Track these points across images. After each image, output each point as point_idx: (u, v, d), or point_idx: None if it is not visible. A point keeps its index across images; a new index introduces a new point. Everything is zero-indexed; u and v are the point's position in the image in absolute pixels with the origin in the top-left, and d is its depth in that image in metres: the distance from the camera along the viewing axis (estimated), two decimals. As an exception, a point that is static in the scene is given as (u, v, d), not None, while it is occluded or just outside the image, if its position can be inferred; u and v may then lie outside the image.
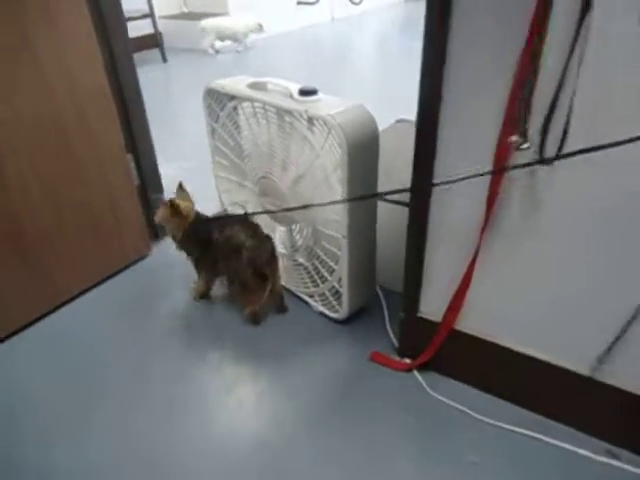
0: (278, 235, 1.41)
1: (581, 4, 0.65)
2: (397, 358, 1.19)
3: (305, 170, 1.16)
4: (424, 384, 1.12)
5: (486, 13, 0.76)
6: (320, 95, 1.13)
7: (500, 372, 1.06)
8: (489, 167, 0.84)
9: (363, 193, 1.12)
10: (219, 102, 1.34)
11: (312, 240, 1.27)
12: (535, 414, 1.04)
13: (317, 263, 1.29)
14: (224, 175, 1.49)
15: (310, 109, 1.07)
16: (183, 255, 1.38)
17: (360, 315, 1.32)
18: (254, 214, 1.31)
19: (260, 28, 4.43)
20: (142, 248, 1.61)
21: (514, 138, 0.76)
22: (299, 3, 5.36)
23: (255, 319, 1.32)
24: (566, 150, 0.74)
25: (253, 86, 1.24)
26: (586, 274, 0.87)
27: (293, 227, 1.34)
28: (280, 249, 1.38)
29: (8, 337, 1.31)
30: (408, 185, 0.97)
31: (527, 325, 0.99)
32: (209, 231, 1.28)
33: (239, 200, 1.47)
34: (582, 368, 0.95)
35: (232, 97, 1.29)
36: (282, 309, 1.35)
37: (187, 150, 2.39)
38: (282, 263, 1.37)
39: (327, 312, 1.32)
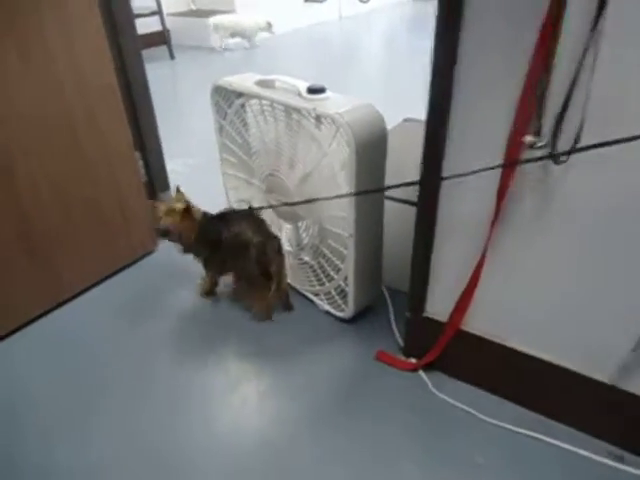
0: (284, 233, 1.41)
1: (597, 2, 0.65)
2: (403, 358, 1.19)
3: (312, 168, 1.16)
4: (429, 384, 1.12)
5: (497, 12, 0.76)
6: (328, 93, 1.12)
7: (506, 373, 1.06)
8: (499, 171, 0.84)
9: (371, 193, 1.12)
10: (227, 99, 1.34)
11: (318, 238, 1.27)
12: (540, 415, 1.04)
13: (323, 261, 1.29)
14: (231, 172, 1.49)
15: (318, 107, 1.07)
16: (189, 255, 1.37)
17: (366, 314, 1.32)
18: (260, 209, 1.30)
19: (269, 27, 4.44)
20: (149, 244, 1.62)
21: (529, 138, 0.76)
22: (306, 1, 5.35)
23: (267, 315, 1.32)
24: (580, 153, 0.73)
25: (261, 83, 1.24)
26: (597, 274, 0.87)
27: (299, 225, 1.34)
28: (286, 247, 1.38)
29: (13, 332, 1.31)
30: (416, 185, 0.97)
31: (534, 326, 0.98)
32: (219, 230, 1.27)
33: (246, 197, 1.47)
34: (590, 370, 0.94)
35: (240, 94, 1.29)
36: (288, 307, 1.36)
37: (193, 147, 2.40)
38: (288, 261, 1.37)
39: (333, 311, 1.31)
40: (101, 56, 1.33)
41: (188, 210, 1.25)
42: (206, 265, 1.37)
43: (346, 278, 1.22)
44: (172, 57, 4.21)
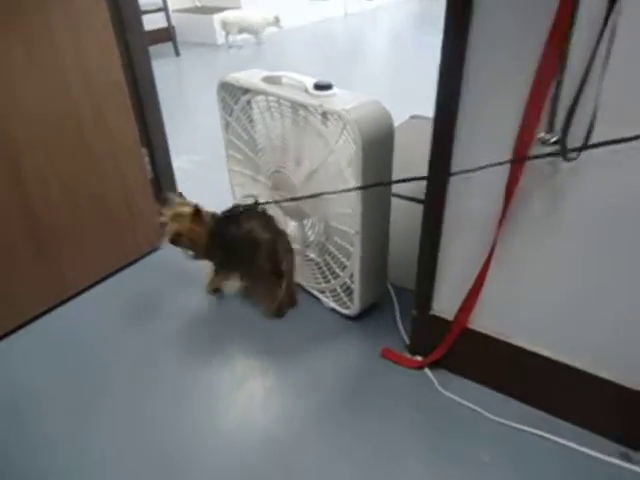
0: (290, 230, 1.41)
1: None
2: (408, 355, 1.18)
3: (319, 165, 1.16)
4: (435, 382, 1.12)
5: (507, 8, 0.75)
6: (335, 90, 1.12)
7: (512, 371, 1.05)
8: (507, 165, 0.83)
9: (377, 190, 1.12)
10: (233, 96, 1.34)
11: (324, 236, 1.27)
12: (545, 413, 1.03)
13: (329, 259, 1.28)
14: (237, 169, 1.48)
15: (325, 103, 1.07)
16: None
17: (371, 312, 1.32)
18: (265, 204, 1.30)
19: (277, 21, 4.43)
20: (155, 240, 1.62)
21: (542, 134, 0.75)
22: (312, -2, 5.34)
23: (278, 313, 1.32)
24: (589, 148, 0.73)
25: (267, 80, 1.23)
26: (604, 272, 0.86)
27: (305, 222, 1.34)
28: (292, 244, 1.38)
29: (18, 329, 1.32)
30: (423, 183, 0.97)
31: (541, 324, 0.98)
32: (230, 230, 1.25)
33: (252, 193, 1.47)
34: (597, 369, 0.93)
35: (246, 91, 1.29)
36: (292, 302, 1.35)
37: (199, 144, 2.40)
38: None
39: (338, 308, 1.31)
40: (108, 52, 1.33)
41: (198, 213, 1.22)
42: (219, 267, 1.34)
43: (352, 275, 1.22)
44: (177, 54, 4.21)
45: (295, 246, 1.38)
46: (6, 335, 1.30)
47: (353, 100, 1.07)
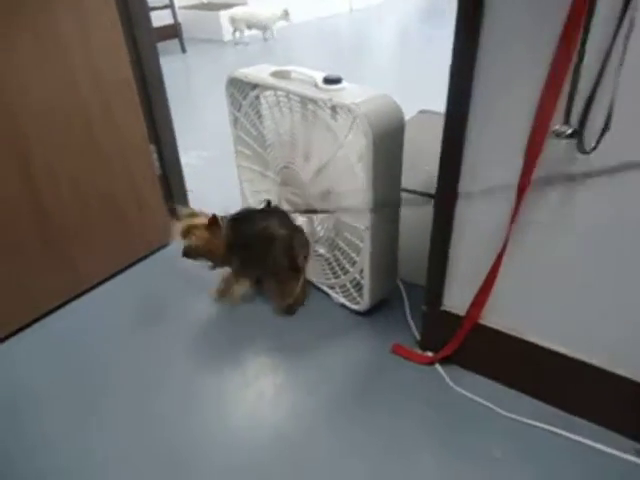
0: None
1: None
2: (419, 351, 1.18)
3: (328, 160, 1.15)
4: (446, 378, 1.11)
5: (521, 3, 0.74)
6: (345, 84, 1.11)
7: (525, 367, 1.04)
8: (519, 163, 0.82)
9: (387, 183, 1.11)
10: (242, 91, 1.34)
11: (334, 231, 1.27)
12: (560, 410, 1.02)
13: (338, 254, 1.28)
14: (246, 165, 1.48)
15: (334, 97, 1.06)
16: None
17: (381, 307, 1.31)
18: (301, 212, 1.28)
19: (287, 15, 4.42)
20: (163, 237, 1.62)
21: (557, 126, 0.74)
22: (317, -7, 5.32)
23: (291, 310, 1.32)
24: (606, 144, 0.72)
25: (276, 75, 1.23)
26: (619, 268, 0.85)
27: (314, 218, 1.33)
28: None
29: (27, 326, 1.32)
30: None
31: (554, 320, 0.96)
32: (247, 231, 1.23)
33: (260, 189, 1.47)
34: (611, 365, 0.92)
35: (255, 86, 1.28)
36: (303, 299, 1.35)
37: (206, 140, 2.40)
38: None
39: (348, 304, 1.31)
40: (117, 49, 1.33)
41: (216, 222, 1.17)
42: (238, 269, 1.29)
43: (362, 271, 1.21)
44: (184, 50, 4.21)
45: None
46: (17, 332, 1.30)
47: (363, 94, 1.06)
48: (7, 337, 1.29)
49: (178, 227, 1.18)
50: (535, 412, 1.02)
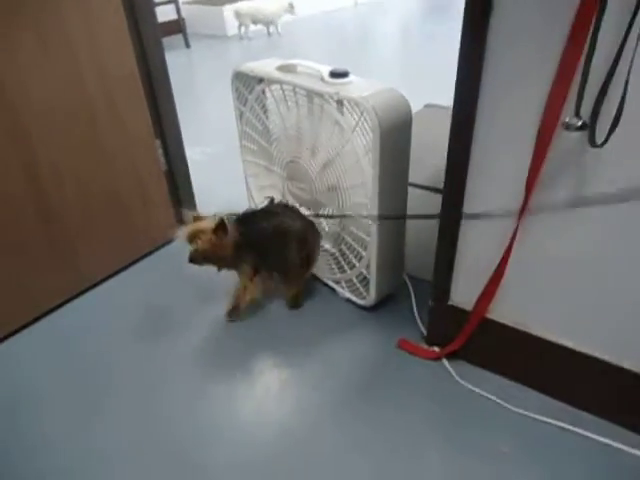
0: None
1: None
2: (425, 346, 1.17)
3: (335, 154, 1.14)
4: (453, 373, 1.11)
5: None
6: (351, 77, 1.10)
7: (531, 362, 1.04)
8: (529, 157, 0.81)
9: (395, 177, 1.10)
10: (247, 85, 1.33)
11: (340, 226, 1.26)
12: (568, 405, 1.02)
13: (345, 249, 1.28)
14: (251, 159, 1.48)
15: (342, 91, 1.05)
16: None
17: (387, 302, 1.31)
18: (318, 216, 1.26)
19: (292, 8, 4.39)
20: (169, 233, 1.61)
21: (567, 119, 0.73)
22: (322, -13, 5.30)
23: (296, 302, 1.32)
24: (618, 134, 0.71)
25: (282, 68, 1.22)
26: (626, 261, 0.84)
27: (321, 212, 1.33)
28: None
29: (32, 323, 1.32)
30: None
31: (563, 315, 0.96)
32: (259, 229, 1.19)
33: (266, 184, 1.47)
34: (620, 359, 0.92)
35: (261, 80, 1.27)
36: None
37: (211, 136, 2.40)
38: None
39: (354, 298, 1.31)
40: (122, 44, 1.32)
41: (223, 225, 1.12)
42: (249, 271, 1.24)
43: (368, 265, 1.21)
44: (187, 46, 4.21)
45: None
46: (21, 329, 1.30)
47: (370, 87, 1.05)
48: (8, 336, 1.28)
49: (184, 232, 1.14)
50: (542, 407, 1.02)
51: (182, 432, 1.03)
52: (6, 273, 1.23)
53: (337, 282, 1.35)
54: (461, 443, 0.98)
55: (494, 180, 0.91)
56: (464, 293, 1.06)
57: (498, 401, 1.04)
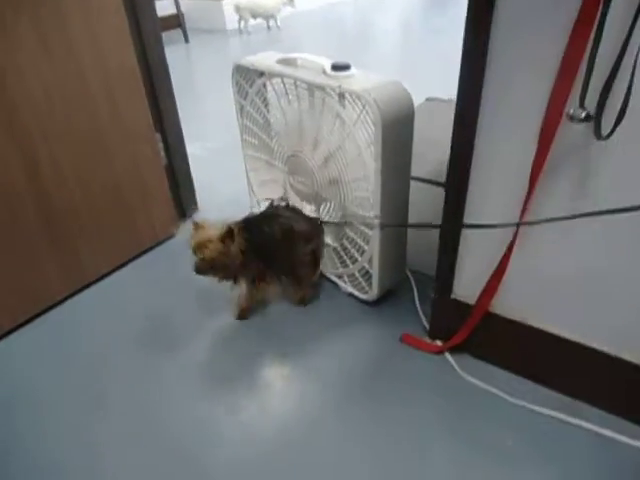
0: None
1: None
2: (428, 340, 1.17)
3: (337, 147, 1.14)
4: (456, 366, 1.11)
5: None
6: (353, 70, 1.09)
7: (535, 355, 1.04)
8: (532, 150, 0.81)
9: (397, 170, 1.10)
10: (248, 79, 1.32)
11: (342, 220, 1.25)
12: (571, 398, 1.02)
13: (347, 243, 1.27)
14: (252, 153, 1.47)
15: (343, 84, 1.04)
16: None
17: (389, 297, 1.31)
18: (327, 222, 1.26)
19: (291, 1, 4.37)
20: (169, 228, 1.62)
21: (571, 110, 0.73)
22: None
23: (304, 301, 1.31)
24: (623, 126, 0.70)
25: (283, 62, 1.21)
26: (631, 255, 0.84)
27: (322, 207, 1.32)
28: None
29: (34, 318, 1.32)
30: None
31: (566, 308, 0.96)
32: (265, 231, 1.17)
33: (267, 179, 1.46)
34: (622, 352, 0.92)
35: (261, 73, 1.27)
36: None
37: (211, 131, 2.39)
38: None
39: (356, 293, 1.30)
40: (122, 38, 1.31)
41: (231, 233, 1.09)
42: (259, 274, 1.23)
43: (371, 260, 1.20)
44: (187, 40, 4.19)
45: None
46: (24, 324, 1.30)
47: (372, 80, 1.04)
48: (7, 333, 1.28)
49: (191, 243, 1.10)
50: (546, 400, 1.02)
51: (182, 429, 1.03)
52: (7, 270, 1.23)
53: (339, 277, 1.35)
54: (465, 436, 0.98)
55: (498, 173, 0.90)
56: (467, 287, 1.06)
57: (501, 394, 1.04)
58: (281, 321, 1.29)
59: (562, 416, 0.98)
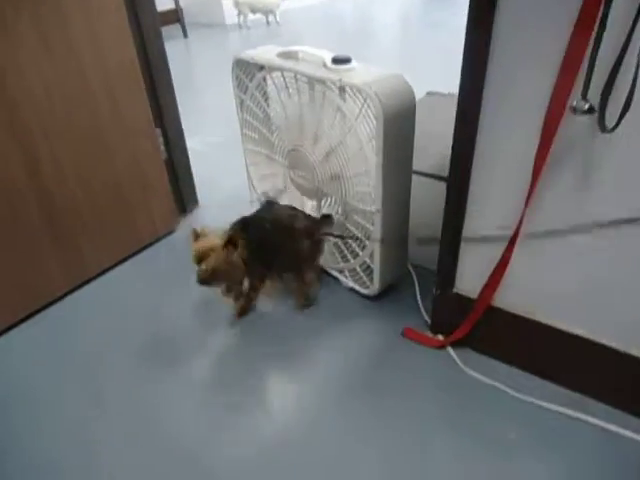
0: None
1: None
2: (430, 334, 1.17)
3: (338, 142, 1.13)
4: (458, 361, 1.10)
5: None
6: (354, 63, 1.09)
7: (538, 349, 1.04)
8: (535, 142, 0.80)
9: (399, 165, 1.09)
10: (248, 73, 1.31)
11: (343, 215, 1.25)
12: (576, 393, 1.02)
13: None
14: (252, 148, 1.46)
15: (344, 78, 1.03)
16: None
17: (391, 291, 1.30)
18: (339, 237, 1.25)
19: None
20: (170, 223, 1.62)
21: (575, 102, 0.72)
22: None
23: (309, 301, 1.30)
24: (627, 119, 0.69)
25: (283, 55, 1.20)
26: (633, 251, 0.83)
27: (323, 202, 1.32)
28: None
29: (35, 314, 1.32)
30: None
31: (568, 301, 0.95)
32: (264, 231, 1.17)
33: (267, 173, 1.45)
34: (629, 347, 0.91)
35: (261, 67, 1.26)
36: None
37: (211, 125, 2.38)
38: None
39: (357, 288, 1.30)
40: (122, 35, 1.31)
41: (233, 241, 1.08)
42: (262, 275, 1.23)
43: (372, 254, 1.20)
44: (185, 35, 4.17)
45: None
46: (24, 319, 1.30)
47: (373, 74, 1.04)
48: (7, 329, 1.27)
49: (193, 253, 1.08)
50: (549, 395, 1.01)
51: (180, 428, 1.02)
52: (8, 266, 1.22)
53: (340, 271, 1.34)
54: (467, 429, 0.98)
55: (500, 171, 0.90)
56: (469, 281, 1.05)
57: (504, 388, 1.03)
58: (282, 316, 1.28)
59: (567, 411, 0.98)
